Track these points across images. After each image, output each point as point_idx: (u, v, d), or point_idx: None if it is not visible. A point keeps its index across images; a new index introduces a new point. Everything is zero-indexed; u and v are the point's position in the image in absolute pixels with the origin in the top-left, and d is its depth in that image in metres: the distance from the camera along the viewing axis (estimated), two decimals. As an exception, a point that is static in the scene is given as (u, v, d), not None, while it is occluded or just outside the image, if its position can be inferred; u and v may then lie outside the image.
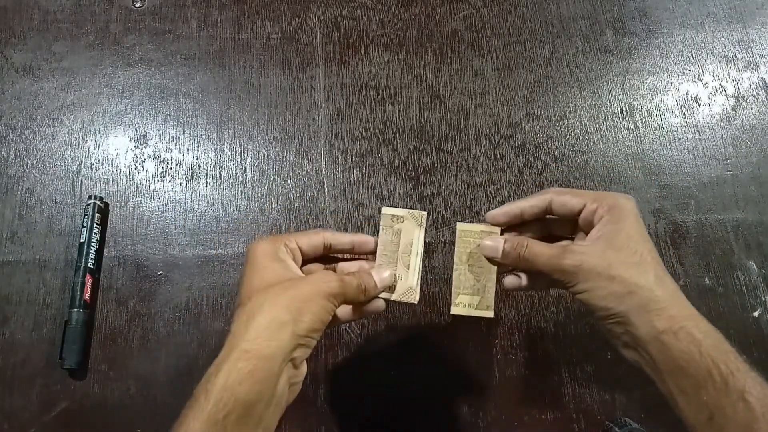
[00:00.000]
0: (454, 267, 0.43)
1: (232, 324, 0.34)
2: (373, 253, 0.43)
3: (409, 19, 0.66)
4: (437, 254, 0.56)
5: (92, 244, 0.54)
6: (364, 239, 0.43)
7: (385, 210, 0.44)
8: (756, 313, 0.55)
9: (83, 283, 0.53)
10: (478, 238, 0.43)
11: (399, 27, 0.66)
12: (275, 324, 0.33)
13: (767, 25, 0.67)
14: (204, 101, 0.62)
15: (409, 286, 0.43)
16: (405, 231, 0.44)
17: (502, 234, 0.42)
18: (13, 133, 0.60)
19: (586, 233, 0.38)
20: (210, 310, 0.54)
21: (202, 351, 0.53)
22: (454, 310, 0.42)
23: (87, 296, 0.53)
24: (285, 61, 0.64)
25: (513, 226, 0.42)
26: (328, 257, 0.43)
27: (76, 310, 0.52)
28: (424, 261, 0.45)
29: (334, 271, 0.42)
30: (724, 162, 0.61)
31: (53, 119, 0.60)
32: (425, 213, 0.44)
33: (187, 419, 0.31)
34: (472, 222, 0.43)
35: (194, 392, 0.32)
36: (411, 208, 0.44)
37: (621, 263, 0.36)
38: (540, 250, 0.38)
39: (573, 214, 0.39)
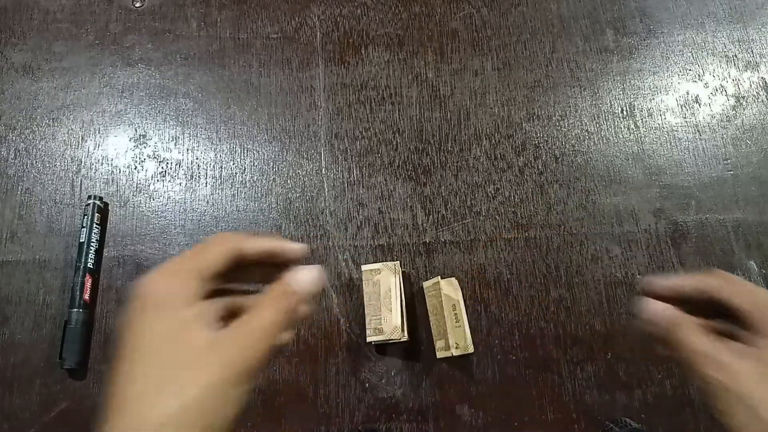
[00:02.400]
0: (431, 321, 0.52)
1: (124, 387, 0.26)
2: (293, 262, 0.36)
3: (409, 18, 0.66)
4: (437, 254, 0.56)
5: (92, 244, 0.54)
6: (281, 245, 0.30)
7: (363, 267, 0.52)
8: (756, 313, 0.55)
9: (83, 283, 0.53)
10: (433, 290, 0.52)
11: (399, 27, 0.65)
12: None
13: (767, 24, 0.67)
14: (204, 101, 0.62)
15: (394, 326, 0.50)
16: (383, 280, 0.52)
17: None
18: (13, 133, 0.59)
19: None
20: (210, 310, 0.54)
21: (201, 351, 0.53)
22: (440, 355, 0.51)
23: (87, 296, 0.53)
24: (285, 61, 0.63)
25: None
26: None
27: (75, 310, 0.52)
28: (408, 300, 0.53)
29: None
30: (725, 162, 0.61)
31: (53, 119, 0.60)
32: (398, 262, 0.53)
33: None
34: (430, 279, 0.53)
35: None
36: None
37: None
38: (695, 342, 0.32)
39: (735, 311, 0.33)
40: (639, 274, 0.56)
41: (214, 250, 0.28)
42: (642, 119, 0.62)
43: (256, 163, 0.60)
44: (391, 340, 0.50)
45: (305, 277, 0.30)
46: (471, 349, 0.50)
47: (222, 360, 0.25)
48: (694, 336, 0.32)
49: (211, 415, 0.25)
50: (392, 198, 0.58)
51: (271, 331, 0.27)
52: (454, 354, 0.49)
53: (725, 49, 0.66)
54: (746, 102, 0.63)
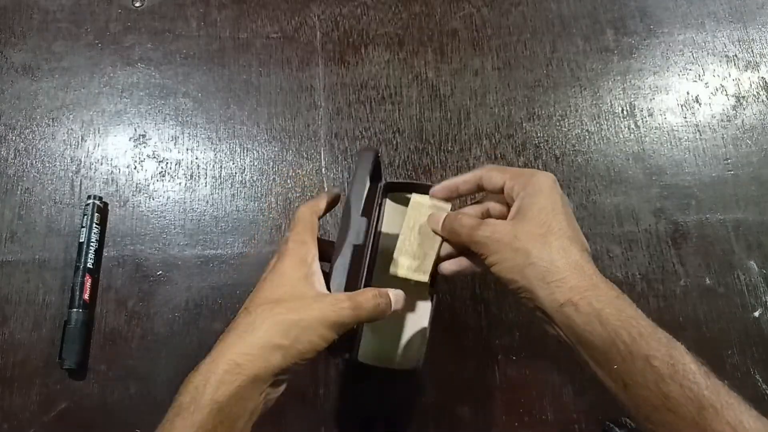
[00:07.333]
0: (401, 233, 0.45)
1: (232, 325, 0.35)
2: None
3: (409, 18, 0.66)
4: (437, 254, 0.56)
5: (91, 244, 0.54)
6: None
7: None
8: (756, 313, 0.55)
9: (82, 283, 0.53)
10: (427, 211, 0.45)
11: (399, 26, 0.65)
12: (269, 346, 0.33)
13: (767, 24, 0.67)
14: (203, 101, 0.62)
15: (417, 264, 0.44)
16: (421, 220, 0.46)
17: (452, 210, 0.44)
18: (13, 132, 0.59)
19: None
20: (209, 310, 0.54)
21: (201, 351, 0.53)
22: (393, 270, 0.44)
23: (86, 296, 0.52)
24: (285, 61, 0.63)
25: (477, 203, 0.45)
26: None
27: (75, 310, 0.52)
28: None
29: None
30: (725, 162, 0.61)
31: (53, 119, 0.60)
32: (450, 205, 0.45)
33: (175, 428, 0.31)
34: (426, 195, 0.46)
35: (180, 399, 0.32)
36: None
37: (526, 234, 0.36)
38: (464, 222, 0.40)
39: (498, 190, 0.42)
40: (639, 275, 0.56)
41: (313, 218, 0.41)
42: (642, 119, 0.62)
43: (255, 163, 0.59)
44: (409, 277, 0.44)
45: (400, 299, 0.40)
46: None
47: (319, 308, 0.35)
48: (464, 220, 0.41)
49: (293, 342, 0.34)
50: (392, 198, 0.58)
51: (356, 312, 0.36)
52: (423, 280, 0.43)
53: (725, 49, 0.66)
54: (746, 102, 0.63)
